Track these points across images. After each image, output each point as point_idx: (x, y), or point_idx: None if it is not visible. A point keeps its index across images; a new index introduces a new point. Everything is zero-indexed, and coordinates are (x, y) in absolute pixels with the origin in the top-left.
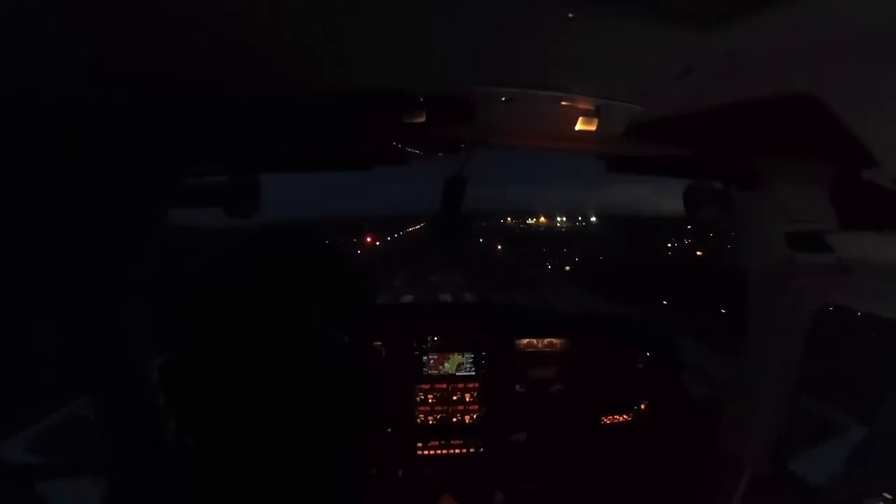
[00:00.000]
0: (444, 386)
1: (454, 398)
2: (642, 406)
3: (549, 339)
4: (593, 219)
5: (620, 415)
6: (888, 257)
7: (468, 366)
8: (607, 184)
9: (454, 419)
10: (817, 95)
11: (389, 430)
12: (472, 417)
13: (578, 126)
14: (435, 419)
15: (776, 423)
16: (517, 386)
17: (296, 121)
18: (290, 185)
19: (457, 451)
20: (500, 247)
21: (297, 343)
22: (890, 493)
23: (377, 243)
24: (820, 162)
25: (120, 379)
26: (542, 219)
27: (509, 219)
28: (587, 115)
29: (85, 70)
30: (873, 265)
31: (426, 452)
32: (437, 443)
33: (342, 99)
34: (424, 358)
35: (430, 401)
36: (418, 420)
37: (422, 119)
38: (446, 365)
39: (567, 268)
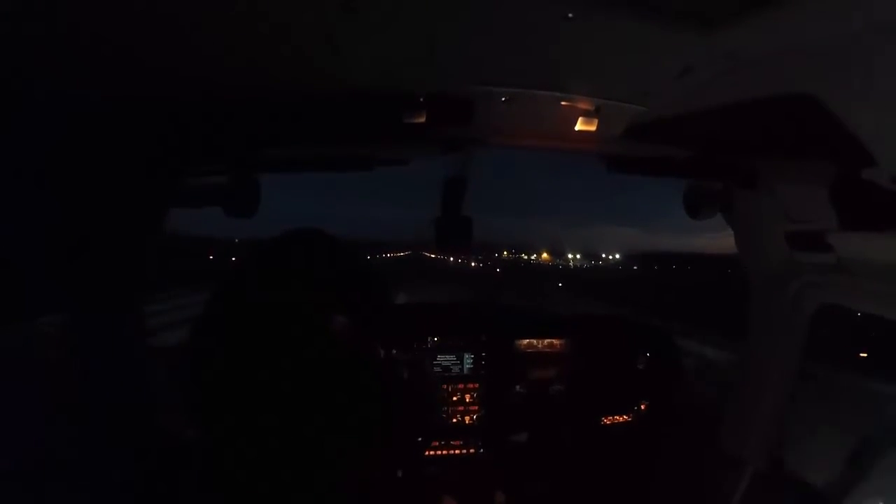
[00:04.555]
0: (445, 387)
1: (454, 399)
2: (642, 406)
3: (549, 340)
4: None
5: (620, 415)
6: (888, 257)
7: (468, 367)
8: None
9: (454, 420)
10: (817, 95)
11: (419, 435)
12: (472, 418)
13: (578, 126)
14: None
15: (776, 423)
16: (517, 386)
17: (296, 121)
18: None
19: (457, 451)
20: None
21: (317, 345)
22: (889, 495)
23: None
24: (820, 162)
25: (123, 378)
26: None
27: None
28: (587, 115)
29: (85, 69)
30: (873, 265)
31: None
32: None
33: (342, 99)
34: (424, 359)
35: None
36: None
37: (422, 119)
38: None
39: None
